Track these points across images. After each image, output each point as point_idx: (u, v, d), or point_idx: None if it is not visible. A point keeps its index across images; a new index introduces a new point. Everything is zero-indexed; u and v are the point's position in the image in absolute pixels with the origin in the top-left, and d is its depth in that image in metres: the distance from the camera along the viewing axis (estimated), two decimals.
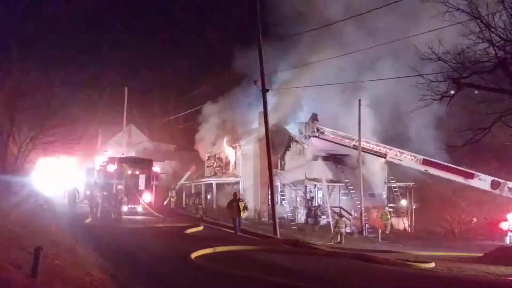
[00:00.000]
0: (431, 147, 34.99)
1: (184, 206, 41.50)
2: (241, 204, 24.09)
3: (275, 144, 31.34)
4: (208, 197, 35.46)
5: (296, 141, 38.48)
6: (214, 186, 38.75)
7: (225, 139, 41.14)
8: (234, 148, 39.66)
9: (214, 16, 76.11)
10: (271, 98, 33.00)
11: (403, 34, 26.02)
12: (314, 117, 38.40)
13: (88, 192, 37.09)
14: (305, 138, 38.64)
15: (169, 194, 40.60)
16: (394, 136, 38.08)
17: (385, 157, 38.14)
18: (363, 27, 34.39)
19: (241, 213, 23.91)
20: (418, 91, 18.41)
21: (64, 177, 37.64)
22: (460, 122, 22.77)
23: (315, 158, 38.91)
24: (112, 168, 35.31)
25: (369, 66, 37.43)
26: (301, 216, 37.34)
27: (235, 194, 25.19)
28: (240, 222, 24.21)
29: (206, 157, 43.38)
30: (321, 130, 38.68)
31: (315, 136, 38.63)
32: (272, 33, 34.09)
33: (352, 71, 37.13)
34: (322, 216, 36.96)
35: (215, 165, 42.48)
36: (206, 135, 42.61)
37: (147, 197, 35.09)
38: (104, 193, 34.14)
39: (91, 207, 31.90)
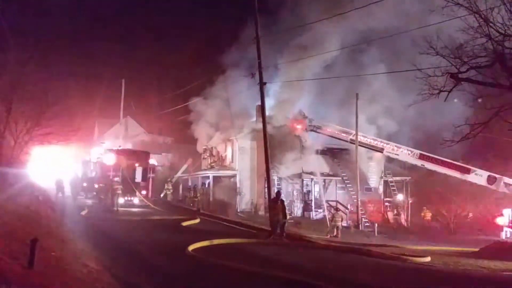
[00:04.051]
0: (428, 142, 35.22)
1: (181, 199, 41.53)
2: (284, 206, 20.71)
3: (272, 138, 31.28)
4: (198, 194, 35.46)
5: (294, 135, 38.41)
6: (211, 179, 38.74)
7: (221, 132, 41.09)
8: (231, 141, 39.64)
9: (212, 8, 75.82)
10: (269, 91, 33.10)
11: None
12: (301, 114, 38.34)
13: (85, 184, 37.18)
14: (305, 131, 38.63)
15: (165, 187, 40.62)
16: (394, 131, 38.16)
17: (382, 152, 38.21)
18: (363, 21, 34.27)
19: (285, 216, 20.57)
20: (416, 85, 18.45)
21: (60, 168, 37.68)
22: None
23: (312, 152, 38.89)
24: (109, 160, 35.32)
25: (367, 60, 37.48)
26: (297, 210, 37.45)
27: (278, 193, 21.72)
28: (283, 226, 20.44)
29: (203, 150, 43.33)
30: (317, 125, 38.71)
31: (312, 130, 38.64)
32: (271, 25, 33.84)
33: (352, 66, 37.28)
34: (319, 210, 37.11)
35: (211, 158, 42.47)
36: (203, 128, 42.53)
37: (144, 189, 35.14)
38: (101, 185, 34.26)
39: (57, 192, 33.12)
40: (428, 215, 36.87)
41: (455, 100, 22.49)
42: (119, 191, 30.23)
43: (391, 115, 37.08)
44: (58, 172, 37.14)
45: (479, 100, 19.02)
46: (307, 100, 38.82)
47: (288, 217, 20.61)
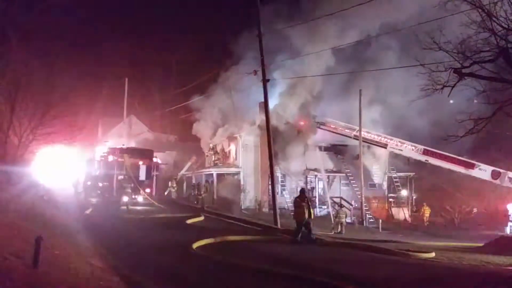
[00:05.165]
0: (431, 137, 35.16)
1: (185, 196, 41.56)
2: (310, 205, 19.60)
3: (276, 134, 31.24)
4: (202, 192, 35.53)
5: (297, 131, 38.33)
6: (214, 176, 38.76)
7: (225, 129, 41.07)
8: (235, 138, 39.64)
9: (216, 4, 75.69)
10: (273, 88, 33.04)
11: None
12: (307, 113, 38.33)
13: (88, 183, 37.25)
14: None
15: (170, 184, 40.67)
16: (396, 127, 38.05)
17: (385, 147, 38.15)
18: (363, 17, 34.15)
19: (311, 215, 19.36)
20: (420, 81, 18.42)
21: (65, 167, 37.76)
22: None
23: (316, 148, 38.88)
24: (112, 158, 35.37)
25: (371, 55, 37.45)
26: None
27: (303, 191, 20.45)
28: (309, 225, 19.12)
29: (211, 147, 43.23)
30: (321, 121, 38.70)
31: (316, 127, 38.60)
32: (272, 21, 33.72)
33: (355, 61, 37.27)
34: (323, 207, 37.09)
35: (215, 156, 42.46)
36: (206, 126, 42.54)
37: (148, 187, 35.18)
38: (105, 183, 34.31)
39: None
40: (427, 213, 36.81)
41: (451, 102, 22.49)
42: (128, 190, 30.30)
43: (395, 110, 36.95)
44: (74, 172, 37.58)
45: (475, 101, 19.03)
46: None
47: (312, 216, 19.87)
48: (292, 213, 21.45)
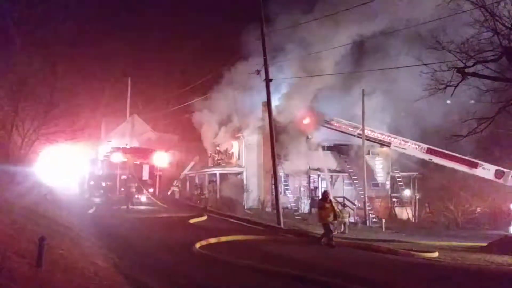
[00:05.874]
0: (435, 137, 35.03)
1: (188, 196, 41.60)
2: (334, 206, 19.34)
3: (279, 134, 31.23)
4: (205, 191, 35.54)
5: (300, 131, 38.28)
6: (217, 176, 38.76)
7: (228, 129, 41.07)
8: (238, 138, 39.63)
9: (219, 4, 75.62)
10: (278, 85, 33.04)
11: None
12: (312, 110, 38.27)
13: (92, 182, 37.32)
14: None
15: (174, 183, 40.70)
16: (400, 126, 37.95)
17: (389, 146, 38.11)
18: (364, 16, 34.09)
19: (336, 217, 19.34)
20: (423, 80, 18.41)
21: (68, 167, 37.85)
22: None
23: (319, 148, 38.88)
24: (115, 158, 35.42)
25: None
26: (304, 206, 37.41)
27: (326, 193, 19.70)
28: (332, 230, 18.87)
29: (217, 148, 43.21)
30: (326, 119, 38.65)
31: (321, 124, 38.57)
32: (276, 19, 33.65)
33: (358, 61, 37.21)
34: None
35: (219, 155, 42.46)
36: (209, 126, 42.53)
37: (151, 187, 35.24)
38: (108, 183, 34.37)
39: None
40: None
41: (448, 102, 22.43)
42: (133, 189, 30.35)
43: (400, 105, 36.77)
44: (79, 171, 37.72)
45: (472, 101, 19.03)
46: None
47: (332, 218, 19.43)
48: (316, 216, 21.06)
